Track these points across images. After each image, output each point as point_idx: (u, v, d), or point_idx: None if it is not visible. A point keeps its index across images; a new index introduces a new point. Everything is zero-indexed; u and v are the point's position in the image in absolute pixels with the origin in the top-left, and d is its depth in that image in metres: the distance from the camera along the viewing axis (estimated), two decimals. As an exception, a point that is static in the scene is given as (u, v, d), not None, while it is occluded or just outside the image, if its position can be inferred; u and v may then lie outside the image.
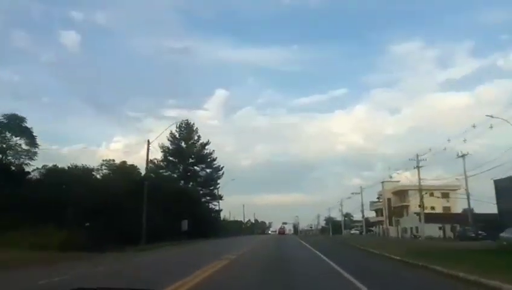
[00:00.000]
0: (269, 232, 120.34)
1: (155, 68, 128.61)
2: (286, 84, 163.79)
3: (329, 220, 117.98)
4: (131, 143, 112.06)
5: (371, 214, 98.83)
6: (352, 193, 70.98)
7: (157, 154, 49.42)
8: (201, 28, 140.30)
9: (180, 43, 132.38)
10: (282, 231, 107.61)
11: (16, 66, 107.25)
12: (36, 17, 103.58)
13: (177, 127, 54.60)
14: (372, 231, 77.25)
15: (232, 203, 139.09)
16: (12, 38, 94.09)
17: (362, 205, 71.46)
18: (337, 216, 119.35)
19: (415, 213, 61.86)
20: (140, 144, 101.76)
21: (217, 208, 61.73)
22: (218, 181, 57.32)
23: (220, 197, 58.15)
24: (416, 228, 57.72)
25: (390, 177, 68.51)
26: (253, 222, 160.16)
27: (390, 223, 74.01)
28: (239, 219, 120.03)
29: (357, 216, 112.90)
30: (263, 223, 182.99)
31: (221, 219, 76.78)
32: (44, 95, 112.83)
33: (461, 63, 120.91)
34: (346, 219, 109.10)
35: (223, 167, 56.74)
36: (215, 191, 57.20)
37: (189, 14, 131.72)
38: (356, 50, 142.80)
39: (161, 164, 52.95)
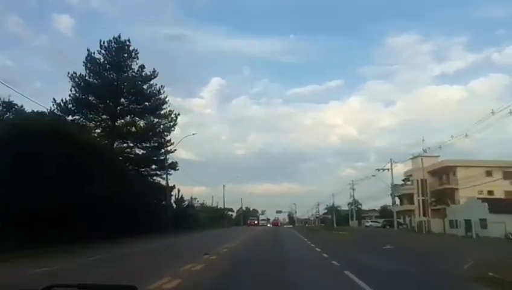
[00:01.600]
0: (255, 222, 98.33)
1: (150, 55, 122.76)
2: (282, 74, 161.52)
3: (333, 209, 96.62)
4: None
5: (389, 202, 77.90)
6: (378, 169, 48.98)
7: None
8: (197, 16, 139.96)
9: (176, 30, 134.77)
10: (276, 223, 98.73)
11: (8, 50, 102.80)
12: (29, 0, 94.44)
13: (101, 47, 32.53)
14: (403, 224, 55.45)
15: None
16: (4, 23, 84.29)
17: (392, 188, 49.74)
18: (342, 204, 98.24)
19: (478, 199, 40.53)
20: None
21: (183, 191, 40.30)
22: (169, 138, 35.53)
23: (173, 167, 35.89)
24: (481, 221, 36.45)
25: (425, 151, 47.33)
26: (244, 209, 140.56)
27: (424, 213, 53.02)
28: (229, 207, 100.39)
29: (368, 205, 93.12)
30: (255, 211, 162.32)
31: (188, 203, 55.57)
32: (37, 81, 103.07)
33: (456, 57, 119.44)
34: (353, 207, 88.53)
35: (178, 115, 34.57)
36: (164, 155, 35.06)
37: (185, 1, 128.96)
38: (352, 41, 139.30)
39: (70, 106, 30.96)
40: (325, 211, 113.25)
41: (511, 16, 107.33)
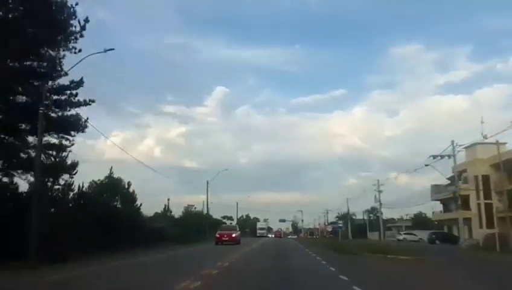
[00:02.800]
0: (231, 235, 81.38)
1: (155, 64, 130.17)
2: (286, 84, 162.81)
3: (347, 218, 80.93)
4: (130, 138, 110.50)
5: (426, 209, 62.71)
6: (435, 157, 32.67)
7: None
8: (201, 25, 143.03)
9: (180, 40, 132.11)
10: (279, 234, 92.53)
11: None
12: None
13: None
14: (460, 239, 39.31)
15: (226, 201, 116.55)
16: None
17: (455, 180, 33.94)
18: (356, 211, 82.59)
19: None
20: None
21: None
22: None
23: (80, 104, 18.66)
24: None
25: (485, 137, 31.92)
26: (244, 217, 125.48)
27: (490, 224, 37.66)
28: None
29: (390, 214, 77.70)
30: (256, 219, 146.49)
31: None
32: None
33: (460, 67, 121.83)
34: (379, 214, 72.89)
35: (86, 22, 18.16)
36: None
37: (190, 11, 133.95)
38: (356, 51, 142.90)
39: None
40: (336, 219, 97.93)
41: None
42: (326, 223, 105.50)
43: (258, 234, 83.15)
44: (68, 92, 17.53)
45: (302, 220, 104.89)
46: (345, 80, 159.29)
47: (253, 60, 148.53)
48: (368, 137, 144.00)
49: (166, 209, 49.13)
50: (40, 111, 14.83)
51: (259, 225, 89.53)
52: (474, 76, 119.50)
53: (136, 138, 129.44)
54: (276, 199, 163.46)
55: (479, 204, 39.79)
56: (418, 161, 57.66)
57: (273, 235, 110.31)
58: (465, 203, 41.41)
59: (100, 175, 30.31)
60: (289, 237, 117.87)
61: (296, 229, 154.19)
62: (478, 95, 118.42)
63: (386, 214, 78.98)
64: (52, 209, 17.66)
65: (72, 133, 18.06)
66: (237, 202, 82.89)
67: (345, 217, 79.16)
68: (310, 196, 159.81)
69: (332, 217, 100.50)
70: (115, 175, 30.21)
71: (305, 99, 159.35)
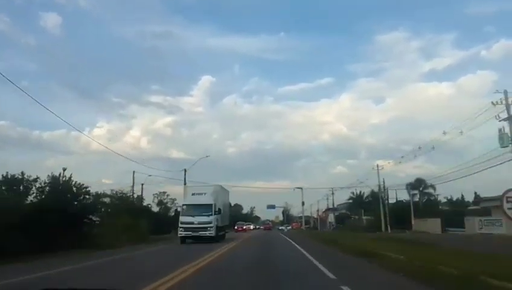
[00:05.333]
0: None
1: (138, 53, 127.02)
2: (272, 72, 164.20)
3: (378, 195, 50.52)
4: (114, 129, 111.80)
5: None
6: None
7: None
8: (185, 13, 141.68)
9: (164, 28, 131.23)
10: (268, 226, 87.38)
11: None
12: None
13: None
14: None
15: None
16: None
17: None
18: (372, 184, 52.79)
19: None
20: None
21: None
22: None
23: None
24: None
25: None
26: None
27: None
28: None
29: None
30: (238, 206, 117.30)
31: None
32: (23, 79, 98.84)
33: (445, 54, 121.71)
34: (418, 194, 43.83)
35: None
36: None
37: None
38: (342, 39, 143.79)
39: None
40: (350, 201, 69.34)
41: (499, 13, 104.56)
42: (333, 206, 76.67)
43: (237, 228, 58.39)
44: None
45: (303, 203, 73.91)
46: (332, 68, 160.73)
47: (239, 49, 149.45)
48: (355, 124, 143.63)
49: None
50: None
51: (238, 223, 64.56)
52: (459, 63, 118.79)
53: (122, 129, 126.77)
54: (265, 187, 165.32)
55: None
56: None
57: (259, 227, 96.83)
58: None
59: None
60: (280, 227, 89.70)
61: (288, 217, 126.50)
62: (462, 82, 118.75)
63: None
64: None
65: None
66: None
67: (374, 196, 49.19)
68: (299, 184, 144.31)
69: (346, 198, 71.80)
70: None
71: (292, 87, 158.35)
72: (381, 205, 46.16)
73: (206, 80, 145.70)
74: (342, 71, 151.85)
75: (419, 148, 40.09)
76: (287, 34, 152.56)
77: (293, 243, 24.87)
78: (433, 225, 41.60)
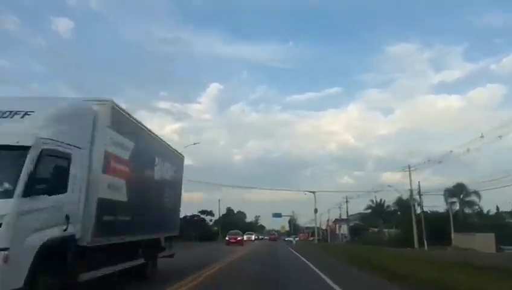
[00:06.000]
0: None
1: (148, 59, 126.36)
2: (280, 81, 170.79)
3: (410, 204, 41.27)
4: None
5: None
6: None
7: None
8: (195, 21, 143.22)
9: (174, 35, 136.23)
10: (273, 237, 78.56)
11: (4, 51, 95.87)
12: (28, 2, 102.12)
13: None
14: None
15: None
16: (2, 23, 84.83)
17: None
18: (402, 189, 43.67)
19: None
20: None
21: None
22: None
23: None
24: None
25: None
26: (224, 213, 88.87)
27: None
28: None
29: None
30: (241, 214, 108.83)
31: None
32: (34, 81, 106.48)
33: (455, 66, 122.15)
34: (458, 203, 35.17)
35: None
36: None
37: (183, 6, 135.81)
38: (352, 49, 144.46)
39: None
40: (368, 211, 60.41)
41: (509, 26, 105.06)
42: (347, 216, 67.54)
43: (229, 239, 43.47)
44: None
45: (316, 210, 64.88)
46: (340, 78, 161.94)
47: (247, 57, 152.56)
48: (363, 135, 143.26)
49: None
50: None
51: (230, 232, 47.73)
52: (469, 76, 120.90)
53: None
54: (271, 196, 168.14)
55: None
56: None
57: (263, 237, 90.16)
58: None
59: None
60: (287, 239, 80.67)
61: (295, 227, 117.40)
62: (471, 95, 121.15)
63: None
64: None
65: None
66: (219, 199, 77.34)
67: (405, 203, 40.43)
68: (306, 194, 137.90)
69: (363, 208, 63.14)
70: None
71: (300, 96, 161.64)
72: (413, 215, 37.46)
73: (214, 88, 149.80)
74: (351, 81, 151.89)
75: (451, 151, 34.09)
76: (296, 43, 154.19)
77: (317, 271, 15.51)
78: (483, 241, 33.12)
